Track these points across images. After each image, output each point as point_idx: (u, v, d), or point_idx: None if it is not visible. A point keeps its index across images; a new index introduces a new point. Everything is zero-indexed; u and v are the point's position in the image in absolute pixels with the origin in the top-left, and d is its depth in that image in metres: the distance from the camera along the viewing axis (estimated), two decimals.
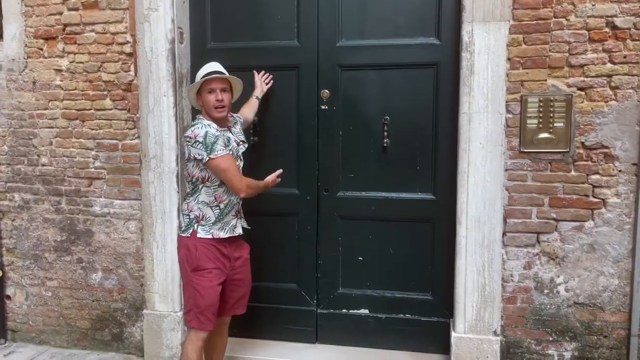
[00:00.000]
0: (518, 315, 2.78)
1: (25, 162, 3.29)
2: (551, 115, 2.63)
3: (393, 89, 2.92)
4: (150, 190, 3.02)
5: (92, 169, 3.19)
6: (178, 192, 2.97)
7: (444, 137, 2.87)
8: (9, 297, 3.43)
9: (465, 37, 2.65)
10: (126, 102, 3.08)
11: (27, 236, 3.35)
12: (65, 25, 3.11)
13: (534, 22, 2.61)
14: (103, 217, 3.20)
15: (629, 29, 2.53)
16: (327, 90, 2.97)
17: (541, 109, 2.63)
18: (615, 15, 2.54)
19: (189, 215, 2.51)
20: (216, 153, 2.36)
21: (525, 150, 2.68)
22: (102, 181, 3.18)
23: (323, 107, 3.00)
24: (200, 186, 2.48)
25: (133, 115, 3.08)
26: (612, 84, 2.58)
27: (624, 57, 2.55)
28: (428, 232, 2.98)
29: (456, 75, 2.75)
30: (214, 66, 2.54)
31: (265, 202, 3.02)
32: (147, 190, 3.03)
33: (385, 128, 2.92)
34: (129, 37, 3.03)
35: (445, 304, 2.97)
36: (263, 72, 2.99)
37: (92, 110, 3.14)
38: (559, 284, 2.73)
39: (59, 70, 3.16)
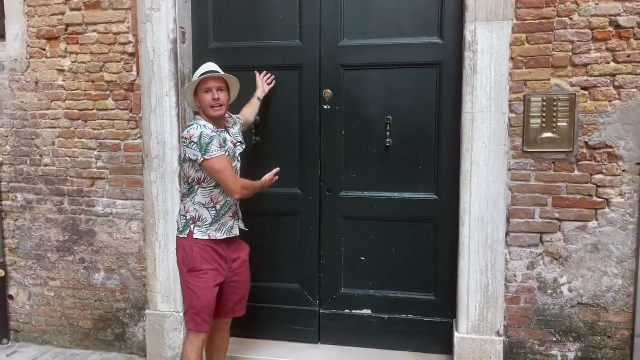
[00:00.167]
0: (521, 316, 2.77)
1: (28, 162, 3.29)
2: (555, 114, 2.62)
3: (395, 89, 2.92)
4: (153, 191, 3.02)
5: (95, 169, 3.19)
6: (180, 192, 2.96)
7: (446, 136, 2.86)
8: (11, 297, 3.43)
9: (468, 36, 2.65)
10: (128, 102, 3.08)
11: (29, 236, 3.35)
12: (68, 25, 3.11)
13: (537, 21, 2.60)
14: (105, 217, 3.20)
15: (633, 28, 2.52)
16: (329, 90, 2.97)
17: (544, 109, 2.62)
18: (619, 15, 2.53)
19: (186, 216, 2.50)
20: (211, 154, 2.35)
21: (529, 150, 2.67)
22: (104, 181, 3.18)
23: (325, 107, 2.99)
24: (197, 187, 2.47)
25: (135, 115, 3.08)
26: (616, 83, 2.57)
27: (628, 56, 2.54)
28: (431, 232, 2.97)
29: (459, 75, 2.74)
30: (209, 66, 2.54)
31: (268, 202, 3.03)
32: (150, 191, 3.03)
33: (388, 128, 2.91)
34: (131, 37, 3.03)
35: (448, 305, 2.97)
36: (265, 72, 2.99)
37: (94, 111, 3.15)
38: (563, 285, 2.72)
39: (61, 71, 3.17)
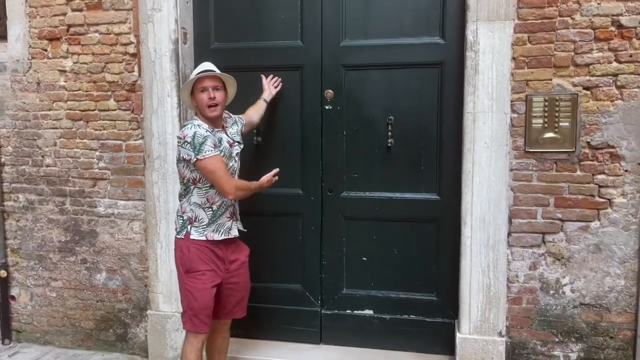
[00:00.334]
0: (523, 316, 2.77)
1: (30, 163, 3.29)
2: (556, 114, 2.61)
3: (397, 89, 2.91)
4: (154, 191, 3.02)
5: (96, 170, 3.19)
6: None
7: (448, 136, 2.86)
8: (13, 298, 3.44)
9: (469, 36, 2.64)
10: (130, 102, 3.09)
11: (31, 237, 3.35)
12: (69, 26, 3.12)
13: (539, 21, 2.59)
14: (107, 217, 3.21)
15: (635, 27, 2.52)
16: (331, 90, 2.97)
17: (546, 109, 2.62)
18: (621, 14, 2.52)
19: (183, 217, 2.48)
20: (204, 154, 2.33)
21: (531, 150, 2.66)
22: (106, 182, 3.18)
23: (327, 107, 2.99)
24: (192, 187, 2.45)
25: (137, 116, 3.08)
26: (618, 83, 2.56)
27: (630, 56, 2.54)
28: (432, 233, 2.97)
29: (461, 75, 2.73)
30: (205, 66, 2.52)
31: (269, 203, 3.03)
32: (151, 191, 3.03)
33: (390, 128, 2.90)
34: (132, 38, 3.03)
35: (450, 305, 2.96)
36: (272, 76, 2.98)
37: (96, 111, 3.15)
38: (565, 285, 2.71)
39: (63, 71, 3.17)
